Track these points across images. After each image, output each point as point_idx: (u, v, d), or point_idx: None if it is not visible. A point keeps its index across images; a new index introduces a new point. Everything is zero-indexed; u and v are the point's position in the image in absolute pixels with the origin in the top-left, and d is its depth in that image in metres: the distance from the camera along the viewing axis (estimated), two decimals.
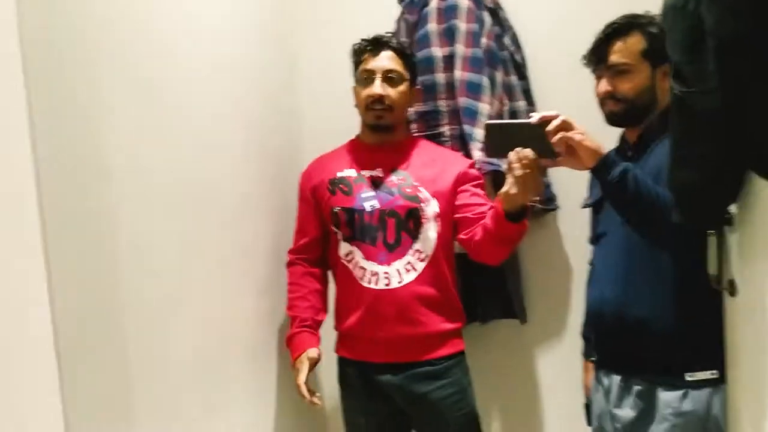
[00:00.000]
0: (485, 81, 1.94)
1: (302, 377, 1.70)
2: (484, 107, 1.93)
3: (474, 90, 1.94)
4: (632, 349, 1.53)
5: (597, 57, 1.58)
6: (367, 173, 1.80)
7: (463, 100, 1.95)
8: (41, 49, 1.02)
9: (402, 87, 1.77)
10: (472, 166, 1.84)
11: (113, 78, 1.22)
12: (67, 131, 1.08)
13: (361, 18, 2.16)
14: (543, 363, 2.21)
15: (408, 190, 1.75)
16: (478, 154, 1.90)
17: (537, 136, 1.43)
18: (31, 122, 0.96)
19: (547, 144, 1.42)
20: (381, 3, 2.16)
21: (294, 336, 1.78)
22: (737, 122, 1.03)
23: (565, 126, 1.41)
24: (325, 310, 1.86)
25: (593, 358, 1.71)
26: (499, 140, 1.49)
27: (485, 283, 2.05)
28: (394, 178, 1.77)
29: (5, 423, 0.97)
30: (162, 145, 1.38)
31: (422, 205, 1.74)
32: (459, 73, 1.96)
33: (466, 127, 1.93)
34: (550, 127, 1.41)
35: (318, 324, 1.82)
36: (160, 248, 1.36)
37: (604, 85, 1.57)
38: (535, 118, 1.45)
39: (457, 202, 1.77)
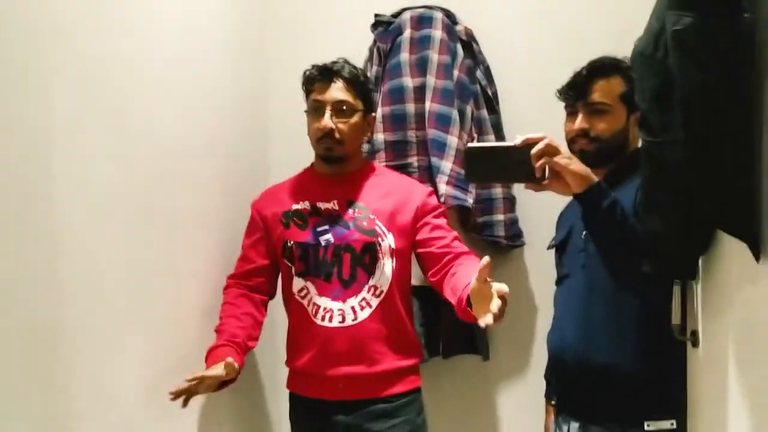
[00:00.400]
0: (455, 114, 1.92)
1: (206, 373, 1.49)
2: (453, 140, 1.91)
3: (443, 122, 1.92)
4: (591, 395, 1.50)
5: (576, 93, 1.56)
6: (322, 205, 1.73)
7: (432, 132, 1.92)
8: None
9: (354, 119, 1.69)
10: (431, 194, 1.78)
11: (70, 94, 1.17)
12: (5, 146, 1.02)
13: (336, 43, 2.13)
14: (504, 401, 2.18)
15: (364, 223, 1.70)
16: (443, 188, 1.87)
17: (521, 160, 1.36)
18: None
19: (531, 168, 1.36)
20: (355, 28, 2.13)
21: (216, 348, 1.60)
22: (701, 175, 1.01)
23: (550, 150, 1.36)
24: (256, 338, 1.72)
25: (554, 401, 1.68)
26: (480, 164, 1.43)
27: (448, 317, 2.00)
28: (350, 211, 1.71)
29: None
30: (119, 166, 1.33)
31: (379, 239, 1.68)
32: (429, 105, 1.94)
33: (434, 160, 1.91)
34: (534, 151, 1.36)
35: (246, 348, 1.65)
36: (109, 271, 1.31)
37: (580, 122, 1.54)
38: (518, 140, 1.39)
39: (418, 237, 1.71)
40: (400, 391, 1.70)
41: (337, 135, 1.67)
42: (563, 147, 1.42)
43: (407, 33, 2.00)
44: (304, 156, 1.83)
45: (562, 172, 1.35)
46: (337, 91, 1.68)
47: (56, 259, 1.14)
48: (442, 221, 1.74)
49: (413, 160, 1.96)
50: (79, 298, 1.20)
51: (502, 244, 2.03)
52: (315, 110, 1.70)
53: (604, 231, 1.41)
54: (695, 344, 1.32)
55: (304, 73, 1.73)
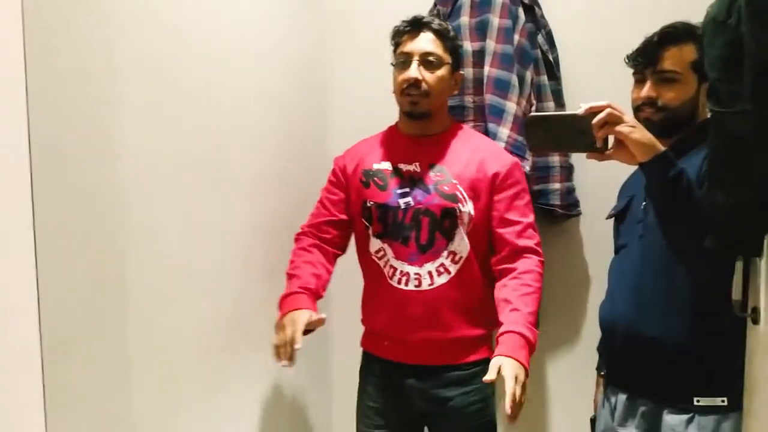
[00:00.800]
0: (514, 79, 1.89)
1: (290, 333, 1.51)
2: (511, 106, 1.88)
3: (502, 87, 1.89)
4: (641, 368, 1.49)
5: (646, 59, 1.50)
6: (403, 167, 1.70)
7: (490, 97, 1.90)
8: (50, 22, 1.00)
9: (441, 71, 1.64)
10: (516, 166, 1.69)
11: (129, 57, 1.21)
12: (70, 109, 1.06)
13: (393, 4, 2.12)
14: (554, 372, 2.17)
15: (445, 188, 1.65)
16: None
17: (583, 129, 1.33)
18: (27, 99, 0.94)
19: (593, 137, 1.32)
20: None
21: (292, 294, 1.62)
22: None
23: (612, 118, 1.31)
24: (323, 288, 1.70)
25: (603, 373, 1.67)
26: (542, 133, 1.40)
27: None
28: (431, 175, 1.67)
29: None
30: (177, 126, 1.37)
31: (459, 205, 1.64)
32: (488, 69, 1.91)
33: (491, 125, 1.88)
34: (595, 120, 1.31)
35: (317, 297, 1.67)
36: (170, 228, 1.35)
37: (647, 90, 1.49)
38: (581, 109, 1.35)
39: (494, 212, 1.66)
40: (472, 359, 1.69)
41: (423, 86, 1.63)
42: (629, 114, 1.38)
43: None
44: (361, 114, 1.82)
45: (625, 140, 1.31)
46: (426, 42, 1.65)
47: (121, 215, 1.19)
48: (521, 201, 1.67)
49: (470, 125, 1.93)
50: (141, 252, 1.25)
51: (557, 213, 2.01)
52: (402, 63, 1.66)
53: (667, 202, 1.35)
54: (756, 321, 1.28)
55: (394, 27, 1.70)
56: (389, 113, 1.76)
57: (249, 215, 1.70)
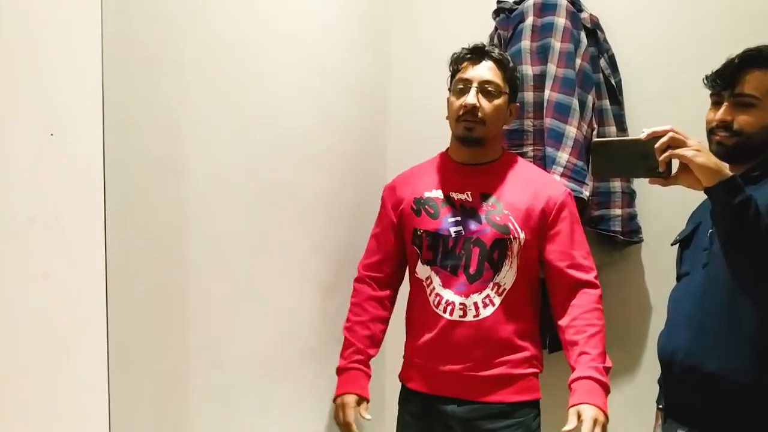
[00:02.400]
0: (575, 103, 1.87)
1: (349, 417, 1.65)
2: (571, 130, 1.86)
3: (562, 112, 1.87)
4: (699, 402, 1.43)
5: (724, 81, 1.45)
6: (455, 195, 1.69)
7: (549, 121, 1.88)
8: (124, 40, 1.05)
9: (498, 101, 1.65)
10: (570, 196, 1.70)
11: (198, 76, 1.25)
12: (142, 126, 1.11)
13: (455, 28, 2.15)
14: (611, 403, 2.10)
15: (497, 218, 1.64)
16: (558, 179, 1.82)
17: (646, 153, 1.31)
18: (103, 114, 0.99)
19: (656, 161, 1.30)
20: (477, 13, 2.13)
21: (345, 370, 1.72)
22: None
23: (675, 142, 1.28)
24: (379, 343, 1.79)
25: (661, 406, 1.61)
26: (605, 159, 1.39)
27: None
28: (483, 205, 1.66)
29: (52, 402, 1.00)
30: (241, 143, 1.41)
31: (510, 236, 1.63)
32: (548, 93, 1.89)
33: (550, 150, 1.86)
34: (657, 144, 1.29)
35: (369, 358, 1.75)
36: (231, 243, 1.39)
37: (723, 113, 1.44)
38: (644, 134, 1.33)
39: (549, 245, 1.65)
40: (516, 400, 1.65)
41: (479, 113, 1.63)
42: (698, 137, 1.34)
43: (529, 20, 1.96)
44: (421, 136, 1.83)
45: (690, 164, 1.27)
46: (486, 70, 1.65)
47: (183, 230, 1.23)
48: (577, 233, 1.67)
49: (529, 149, 1.92)
50: (201, 267, 1.28)
51: (618, 240, 1.97)
52: (460, 89, 1.66)
53: (733, 230, 1.30)
54: None
55: (452, 54, 1.72)
56: (446, 137, 1.77)
57: (306, 232, 1.73)
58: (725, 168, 1.28)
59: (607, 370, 1.58)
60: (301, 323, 1.70)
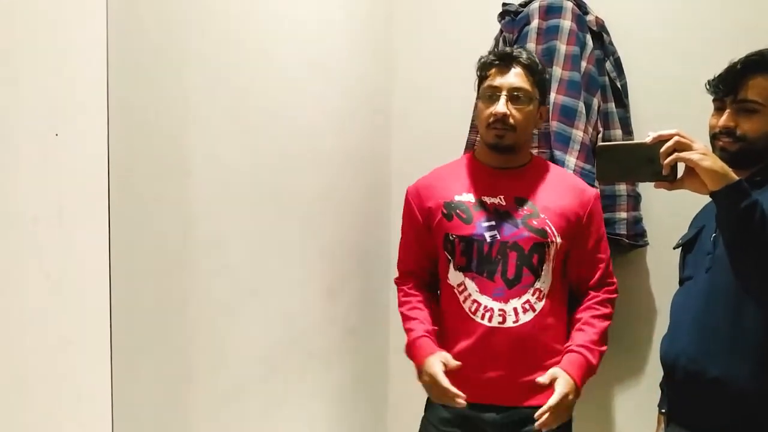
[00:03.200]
0: (581, 106, 1.87)
1: (443, 379, 1.57)
2: (578, 134, 1.86)
3: (568, 115, 1.87)
4: (702, 407, 1.42)
5: (727, 87, 1.44)
6: (488, 199, 1.66)
7: (556, 124, 1.88)
8: (129, 41, 1.05)
9: (529, 107, 1.62)
10: (598, 198, 1.71)
11: (203, 76, 1.26)
12: (147, 126, 1.12)
13: (460, 29, 2.15)
14: (615, 407, 2.10)
15: (534, 222, 1.63)
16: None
17: (652, 157, 1.31)
18: (108, 114, 0.99)
19: (661, 165, 1.30)
20: (481, 15, 2.13)
21: (416, 341, 1.66)
22: None
23: (681, 146, 1.27)
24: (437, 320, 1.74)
25: (663, 410, 1.61)
26: (611, 163, 1.38)
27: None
28: (518, 209, 1.64)
29: (54, 402, 1.00)
30: (246, 144, 1.41)
31: (549, 240, 1.62)
32: (554, 96, 1.89)
33: (557, 153, 1.86)
34: (663, 148, 1.28)
35: (435, 336, 1.69)
36: (235, 243, 1.39)
37: (726, 119, 1.44)
38: (650, 137, 1.32)
39: (577, 249, 1.68)
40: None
41: (510, 121, 1.60)
42: (702, 141, 1.34)
43: (535, 23, 1.96)
44: (425, 137, 1.82)
45: (696, 168, 1.26)
46: (515, 77, 1.63)
47: (188, 230, 1.23)
48: (603, 236, 1.72)
49: (534, 152, 1.91)
50: (205, 267, 1.28)
51: (623, 243, 1.96)
52: (489, 97, 1.64)
53: (738, 234, 1.29)
54: None
55: (480, 59, 1.69)
56: (451, 138, 1.77)
57: (311, 233, 1.73)
58: (731, 172, 1.28)
59: (600, 353, 1.62)
60: (305, 325, 1.70)
